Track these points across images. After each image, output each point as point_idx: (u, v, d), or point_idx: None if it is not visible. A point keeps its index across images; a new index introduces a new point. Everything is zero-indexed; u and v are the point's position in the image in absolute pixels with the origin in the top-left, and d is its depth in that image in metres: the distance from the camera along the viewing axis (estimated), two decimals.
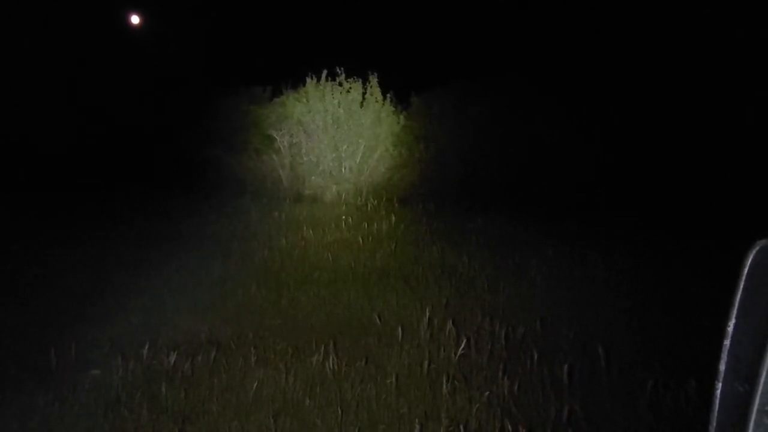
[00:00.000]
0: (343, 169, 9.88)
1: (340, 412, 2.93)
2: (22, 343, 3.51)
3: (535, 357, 3.42)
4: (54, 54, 12.38)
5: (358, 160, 9.86)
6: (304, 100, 9.98)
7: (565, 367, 3.23)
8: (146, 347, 3.42)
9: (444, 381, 3.16)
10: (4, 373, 3.16)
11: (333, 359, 3.41)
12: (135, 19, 16.21)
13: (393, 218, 7.48)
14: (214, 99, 11.22)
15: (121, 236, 6.50)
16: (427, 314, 4.03)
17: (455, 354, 3.51)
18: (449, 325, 3.87)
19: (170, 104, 11.49)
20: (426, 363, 3.38)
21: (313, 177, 9.89)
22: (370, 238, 6.55)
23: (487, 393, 3.07)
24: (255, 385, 3.15)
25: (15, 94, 11.19)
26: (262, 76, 11.51)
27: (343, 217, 7.60)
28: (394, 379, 3.22)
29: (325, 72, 9.93)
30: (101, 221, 7.20)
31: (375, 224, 7.12)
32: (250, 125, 10.76)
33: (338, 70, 9.83)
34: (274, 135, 10.10)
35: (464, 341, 3.59)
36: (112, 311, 4.16)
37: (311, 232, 6.82)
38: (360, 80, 9.93)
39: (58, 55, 12.34)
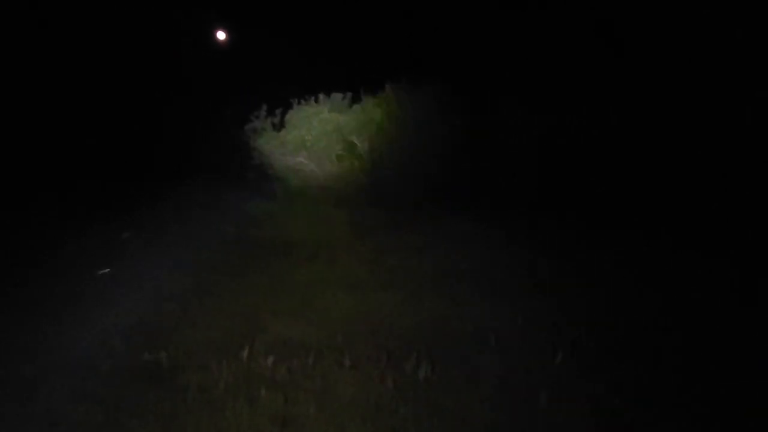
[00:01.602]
0: None
1: (435, 420, 2.90)
2: (137, 343, 3.74)
3: None
4: (150, 67, 13.35)
5: None
6: (384, 105, 10.10)
7: None
8: (246, 350, 3.54)
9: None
10: (117, 373, 3.37)
11: (426, 365, 3.39)
12: (221, 35, 16.98)
13: None
14: (294, 107, 11.61)
15: (225, 241, 6.80)
16: (520, 321, 3.92)
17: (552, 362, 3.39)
18: (543, 334, 3.74)
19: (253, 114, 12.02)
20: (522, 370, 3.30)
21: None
22: None
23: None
24: (350, 390, 3.19)
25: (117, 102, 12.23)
26: (342, 83, 11.75)
27: None
28: (489, 388, 3.15)
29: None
30: (200, 226, 7.58)
31: None
32: (332, 131, 11.03)
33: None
34: (355, 141, 10.29)
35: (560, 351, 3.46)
36: (211, 314, 4.36)
37: None
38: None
39: (155, 69, 13.29)
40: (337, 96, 11.34)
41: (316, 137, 11.27)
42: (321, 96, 11.55)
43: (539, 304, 4.45)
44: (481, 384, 3.25)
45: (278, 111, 11.70)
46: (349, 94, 11.19)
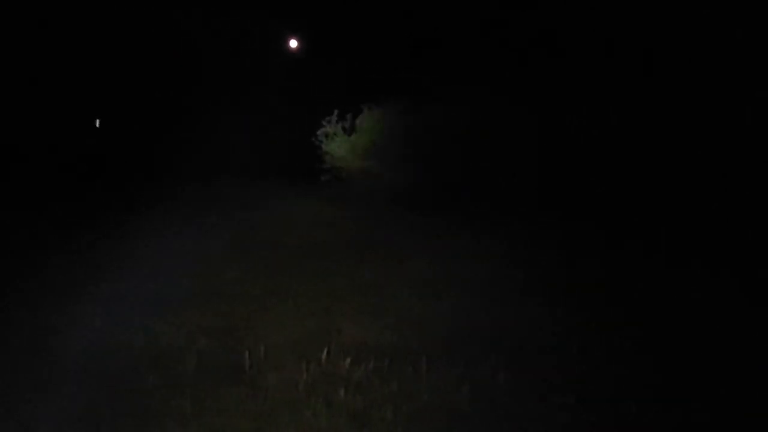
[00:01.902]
0: None
1: (509, 427, 2.85)
2: (217, 345, 3.90)
3: None
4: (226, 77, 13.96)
5: None
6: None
7: None
8: (324, 352, 3.62)
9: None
10: (204, 370, 3.52)
11: (504, 372, 3.33)
12: (293, 44, 17.46)
13: None
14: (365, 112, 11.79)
15: (285, 246, 7.01)
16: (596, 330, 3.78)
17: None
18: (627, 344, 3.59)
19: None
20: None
21: None
22: None
23: None
24: (425, 395, 3.19)
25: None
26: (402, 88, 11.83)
27: None
28: (573, 398, 3.05)
29: None
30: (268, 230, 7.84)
31: None
32: (399, 136, 11.10)
33: None
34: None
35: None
36: (289, 315, 4.48)
37: None
38: None
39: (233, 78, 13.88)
40: (401, 100, 11.41)
41: (384, 140, 11.37)
42: (386, 100, 11.67)
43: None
44: (555, 391, 3.17)
45: (348, 116, 11.90)
46: (408, 98, 11.25)
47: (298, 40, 16.84)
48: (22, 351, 3.67)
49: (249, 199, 10.09)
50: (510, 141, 10.08)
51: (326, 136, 12.06)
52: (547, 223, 8.02)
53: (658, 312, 4.63)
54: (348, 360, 3.57)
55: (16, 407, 2.95)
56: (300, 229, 7.94)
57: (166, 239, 6.69)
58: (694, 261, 5.88)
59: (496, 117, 10.27)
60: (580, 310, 4.62)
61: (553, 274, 5.77)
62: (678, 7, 9.81)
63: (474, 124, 10.33)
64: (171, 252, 6.22)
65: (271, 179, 11.71)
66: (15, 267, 5.55)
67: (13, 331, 3.94)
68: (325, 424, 2.96)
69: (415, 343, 3.96)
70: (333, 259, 6.32)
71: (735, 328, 4.18)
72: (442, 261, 6.30)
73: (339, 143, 11.76)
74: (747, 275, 5.28)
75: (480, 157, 10.14)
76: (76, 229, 7.23)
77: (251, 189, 11.00)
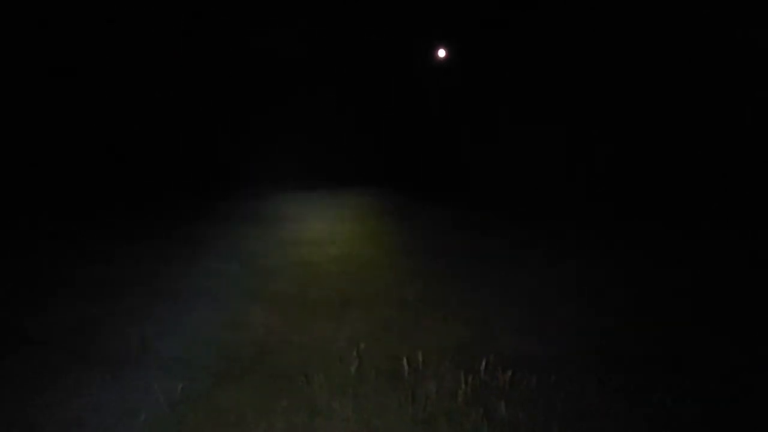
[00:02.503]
0: None
1: None
2: (380, 348, 3.97)
3: None
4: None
5: None
6: None
7: None
8: (483, 363, 3.51)
9: None
10: (365, 374, 3.60)
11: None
12: (441, 53, 17.61)
13: None
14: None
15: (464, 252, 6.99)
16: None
17: None
18: None
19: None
20: None
21: None
22: None
23: None
24: (595, 415, 2.93)
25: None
26: None
27: None
28: None
29: None
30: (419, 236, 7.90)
31: None
32: None
33: None
34: None
35: None
36: (442, 321, 4.44)
37: None
38: None
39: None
40: None
41: None
42: None
43: None
44: None
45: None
46: None
47: (446, 49, 16.93)
48: None
49: None
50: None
51: None
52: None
53: None
54: (509, 373, 3.42)
55: None
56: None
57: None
58: None
59: None
60: None
61: None
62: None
63: None
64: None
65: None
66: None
67: None
68: None
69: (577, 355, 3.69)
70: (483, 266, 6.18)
71: None
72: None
73: None
74: None
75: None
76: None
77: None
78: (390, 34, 14.42)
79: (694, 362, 3.66)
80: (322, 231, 7.76)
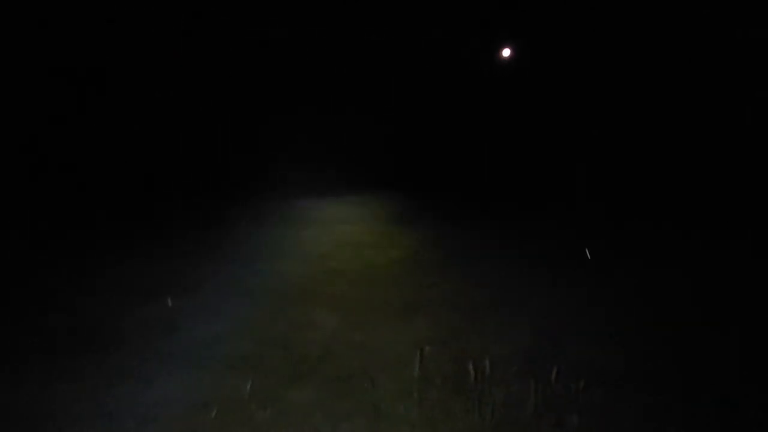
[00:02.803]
0: None
1: None
2: (444, 353, 3.91)
3: None
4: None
5: None
6: None
7: None
8: (554, 372, 3.38)
9: None
10: (429, 378, 3.55)
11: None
12: (506, 52, 17.28)
13: None
14: None
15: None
16: None
17: None
18: None
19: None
20: None
21: None
22: None
23: None
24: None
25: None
26: None
27: None
28: None
29: None
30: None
31: None
32: None
33: None
34: None
35: None
36: (507, 327, 4.32)
37: None
38: None
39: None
40: None
41: None
42: None
43: None
44: None
45: None
46: None
47: (511, 49, 16.62)
48: None
49: None
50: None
51: None
52: None
53: None
54: (581, 382, 3.28)
55: None
56: None
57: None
58: None
59: None
60: None
61: None
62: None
63: None
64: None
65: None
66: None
67: None
68: None
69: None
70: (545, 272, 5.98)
71: None
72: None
73: None
74: None
75: None
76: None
77: None
78: (447, 32, 14.27)
79: None
80: (381, 234, 7.77)
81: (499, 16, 14.92)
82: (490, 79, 15.32)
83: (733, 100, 9.46)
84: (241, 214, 9.00)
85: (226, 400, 3.23)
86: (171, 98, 12.47)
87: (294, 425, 3.01)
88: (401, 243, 7.21)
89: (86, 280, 5.44)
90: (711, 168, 9.27)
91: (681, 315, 4.56)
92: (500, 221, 8.85)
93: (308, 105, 13.84)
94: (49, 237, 7.23)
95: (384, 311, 4.70)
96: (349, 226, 8.26)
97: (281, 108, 13.73)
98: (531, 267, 6.09)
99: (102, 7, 11.75)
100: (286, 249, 6.86)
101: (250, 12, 13.43)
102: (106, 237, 7.36)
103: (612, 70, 10.99)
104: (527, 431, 2.92)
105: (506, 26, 15.67)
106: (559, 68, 13.23)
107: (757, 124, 9.08)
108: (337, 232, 7.82)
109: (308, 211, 9.54)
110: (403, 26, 14.00)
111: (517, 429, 2.95)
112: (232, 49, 13.33)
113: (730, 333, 4.17)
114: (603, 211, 8.88)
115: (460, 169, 13.17)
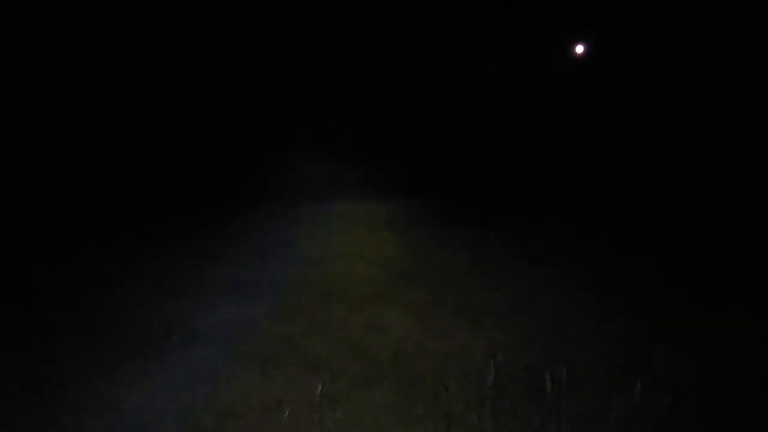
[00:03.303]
0: None
1: None
2: (519, 360, 3.79)
3: None
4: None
5: None
6: None
7: None
8: (638, 386, 3.19)
9: None
10: (503, 387, 3.45)
11: None
12: (579, 49, 16.75)
13: None
14: None
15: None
16: None
17: None
18: None
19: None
20: None
21: None
22: None
23: None
24: None
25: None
26: None
27: None
28: None
29: None
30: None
31: None
32: None
33: None
34: None
35: None
36: (592, 335, 4.13)
37: None
38: None
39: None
40: None
41: None
42: None
43: None
44: None
45: None
46: None
47: (585, 45, 16.06)
48: None
49: None
50: None
51: None
52: None
53: None
54: (668, 396, 3.07)
55: None
56: None
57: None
58: None
59: None
60: None
61: None
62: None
63: None
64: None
65: None
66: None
67: None
68: None
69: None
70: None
71: None
72: None
73: None
74: None
75: None
76: None
77: None
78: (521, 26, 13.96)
79: None
80: (452, 236, 7.66)
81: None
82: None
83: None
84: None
85: (298, 401, 3.27)
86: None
87: (364, 427, 3.00)
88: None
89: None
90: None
91: None
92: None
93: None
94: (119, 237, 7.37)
95: (454, 315, 4.63)
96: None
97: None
98: (598, 271, 5.82)
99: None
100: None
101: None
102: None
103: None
104: None
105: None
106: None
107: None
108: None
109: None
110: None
111: None
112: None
113: None
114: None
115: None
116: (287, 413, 3.14)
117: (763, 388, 3.28)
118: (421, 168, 12.36)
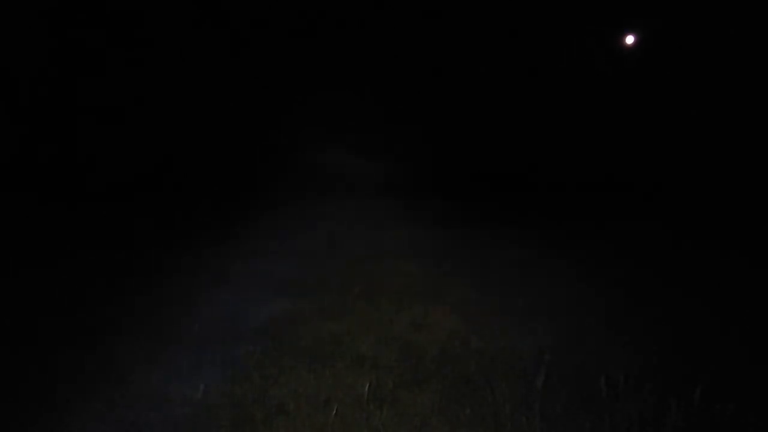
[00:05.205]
0: None
1: None
2: (567, 361, 3.71)
3: None
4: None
5: None
6: None
7: None
8: (697, 393, 3.06)
9: None
10: (554, 389, 3.37)
11: None
12: (629, 40, 16.32)
13: None
14: None
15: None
16: None
17: None
18: None
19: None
20: None
21: None
22: None
23: None
24: None
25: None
26: None
27: None
28: None
29: None
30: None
31: None
32: None
33: None
34: None
35: None
36: (648, 336, 4.00)
37: None
38: None
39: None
40: None
41: None
42: None
43: None
44: None
45: None
46: None
47: (635, 35, 15.59)
48: None
49: None
50: None
51: None
52: None
53: None
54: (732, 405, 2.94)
55: None
56: None
57: None
58: None
59: None
60: None
61: None
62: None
63: None
64: None
65: None
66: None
67: None
68: None
69: None
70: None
71: None
72: None
73: None
74: None
75: None
76: None
77: None
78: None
79: None
80: (496, 234, 7.58)
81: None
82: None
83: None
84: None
85: (346, 399, 3.28)
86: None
87: (411, 428, 2.99)
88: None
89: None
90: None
91: None
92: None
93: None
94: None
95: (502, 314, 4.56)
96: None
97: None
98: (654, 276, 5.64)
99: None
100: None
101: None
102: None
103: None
104: None
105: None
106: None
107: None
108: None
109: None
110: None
111: None
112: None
113: None
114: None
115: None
116: (335, 410, 3.15)
117: None
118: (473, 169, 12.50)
